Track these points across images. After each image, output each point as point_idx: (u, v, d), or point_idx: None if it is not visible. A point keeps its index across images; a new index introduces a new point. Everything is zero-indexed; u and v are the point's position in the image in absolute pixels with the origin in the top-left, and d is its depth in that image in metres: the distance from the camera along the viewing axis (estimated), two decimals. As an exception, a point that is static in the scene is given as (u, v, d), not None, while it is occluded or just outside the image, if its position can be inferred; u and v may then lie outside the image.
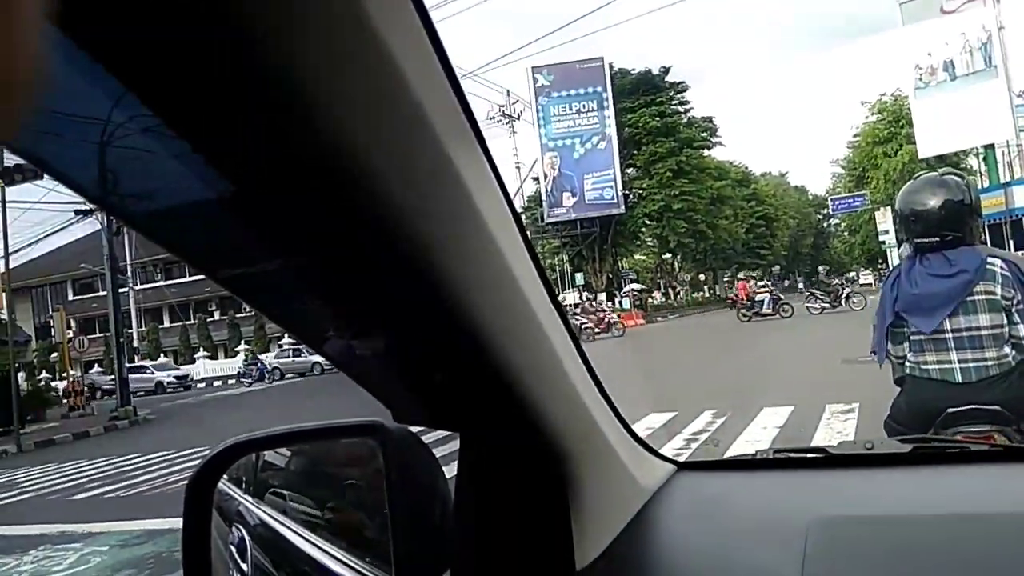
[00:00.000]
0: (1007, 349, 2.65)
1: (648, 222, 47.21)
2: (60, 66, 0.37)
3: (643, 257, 54.85)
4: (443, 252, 0.58)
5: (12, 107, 0.18)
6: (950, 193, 2.73)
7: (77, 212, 25.36)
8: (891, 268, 4.73)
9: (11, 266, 23.47)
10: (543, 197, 45.64)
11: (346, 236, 0.55)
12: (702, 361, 15.73)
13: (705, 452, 6.69)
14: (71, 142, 0.44)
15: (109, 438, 17.67)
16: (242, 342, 42.89)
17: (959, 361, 2.68)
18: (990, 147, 31.14)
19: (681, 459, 1.14)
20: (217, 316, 48.02)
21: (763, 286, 32.98)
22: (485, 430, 0.80)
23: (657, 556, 0.93)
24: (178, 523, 0.94)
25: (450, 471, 0.81)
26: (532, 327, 0.71)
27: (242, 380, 33.12)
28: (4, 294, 22.06)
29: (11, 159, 17.87)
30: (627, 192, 45.93)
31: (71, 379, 26.02)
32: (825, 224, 75.01)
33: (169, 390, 34.04)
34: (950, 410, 2.62)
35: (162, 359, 42.43)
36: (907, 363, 2.81)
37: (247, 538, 1.21)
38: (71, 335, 28.38)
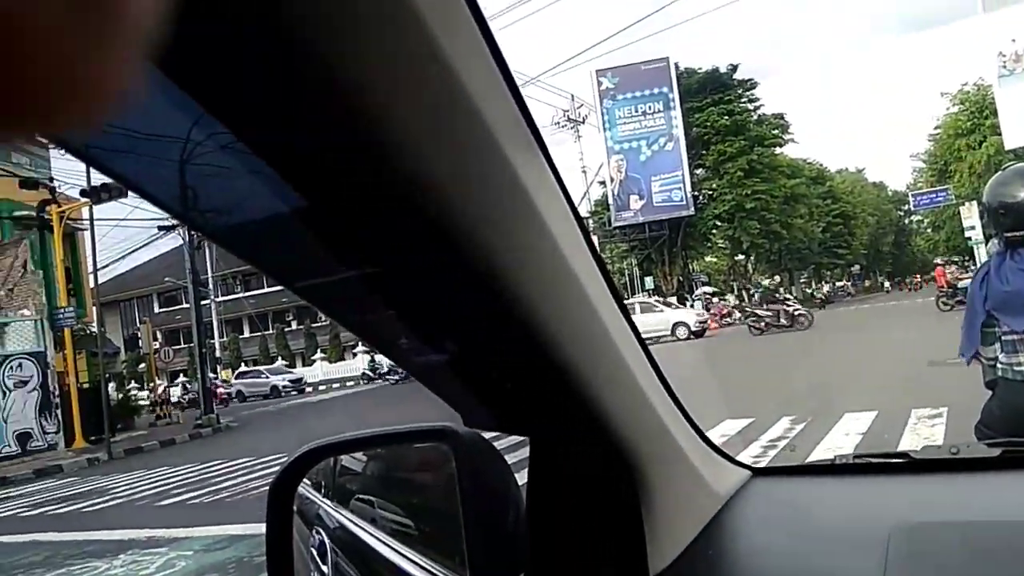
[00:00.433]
0: None
1: (719, 223, 46.33)
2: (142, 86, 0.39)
3: (714, 259, 53.92)
4: (507, 258, 0.58)
5: (102, 105, 0.19)
6: None
7: (160, 228, 26.65)
8: (979, 265, 4.50)
9: (100, 281, 24.65)
10: (610, 201, 45.36)
11: (413, 245, 0.56)
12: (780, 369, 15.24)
13: (784, 458, 6.52)
14: (155, 161, 0.46)
15: (193, 445, 18.31)
16: (318, 351, 43.96)
17: None
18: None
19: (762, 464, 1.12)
20: (294, 326, 49.42)
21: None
22: (555, 435, 0.81)
23: (733, 562, 0.92)
24: (258, 528, 0.97)
25: (518, 479, 0.81)
26: (599, 332, 0.71)
27: (386, 378, 32.47)
28: (95, 308, 23.16)
29: (97, 178, 18.85)
30: (696, 193, 45.22)
31: (157, 388, 27.15)
32: (907, 221, 72.42)
33: (284, 393, 34.42)
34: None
35: (279, 363, 42.85)
36: (999, 365, 2.68)
37: (327, 541, 1.24)
38: (157, 346, 29.67)
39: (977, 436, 2.72)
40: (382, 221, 0.54)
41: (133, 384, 35.70)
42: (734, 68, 46.42)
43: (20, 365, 18.33)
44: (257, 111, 0.44)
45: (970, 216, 32.26)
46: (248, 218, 0.53)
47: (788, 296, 33.81)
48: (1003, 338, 2.66)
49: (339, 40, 0.42)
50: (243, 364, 45.06)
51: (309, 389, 36.06)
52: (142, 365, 36.13)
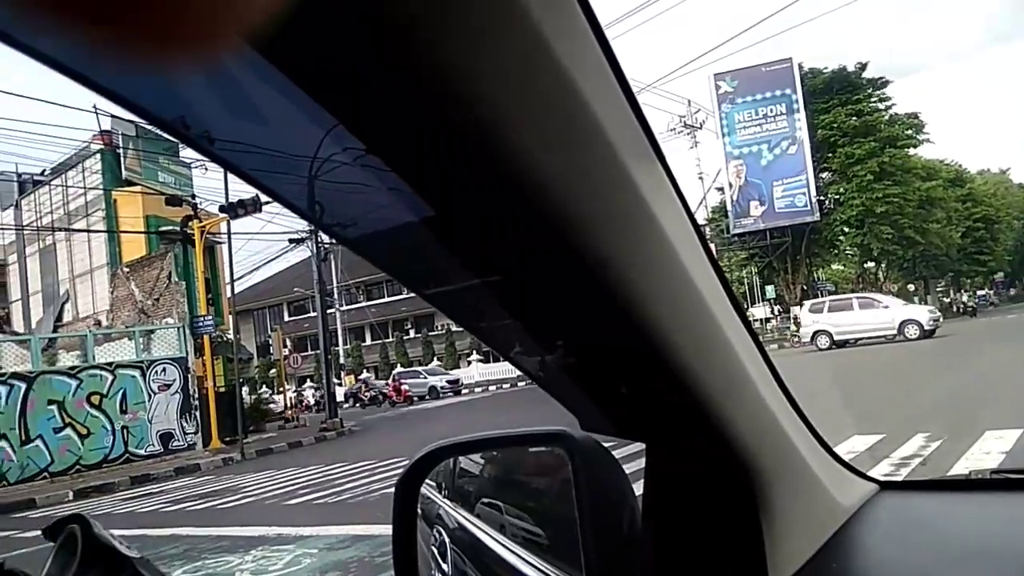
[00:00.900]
0: None
1: (847, 229, 44.17)
2: (277, 101, 0.43)
3: (841, 267, 51.44)
4: (623, 264, 0.59)
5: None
6: None
7: (291, 240, 28.09)
8: None
9: (236, 291, 26.22)
10: (728, 207, 44.13)
11: (533, 252, 0.58)
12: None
13: (911, 473, 6.14)
14: (298, 176, 0.50)
15: (319, 448, 19.07)
16: (435, 358, 44.97)
17: None
18: None
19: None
20: (412, 334, 50.83)
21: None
22: (672, 441, 0.80)
23: None
24: (378, 529, 1.01)
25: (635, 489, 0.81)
26: (717, 339, 0.70)
27: None
28: (231, 316, 24.64)
29: (235, 195, 20.12)
30: (822, 198, 43.33)
31: (287, 392, 28.53)
32: (1058, 225, 66.76)
33: (441, 394, 34.99)
34: None
35: (434, 363, 43.49)
36: None
37: (447, 540, 1.28)
38: (287, 352, 31.22)
39: None
40: (502, 229, 0.56)
41: (264, 388, 37.59)
42: (863, 67, 44.24)
43: (164, 370, 19.67)
44: (387, 125, 0.47)
45: None
46: (382, 228, 0.57)
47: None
48: None
49: (461, 57, 0.44)
50: (364, 371, 46.64)
51: (465, 391, 36.38)
52: (273, 370, 38.00)
